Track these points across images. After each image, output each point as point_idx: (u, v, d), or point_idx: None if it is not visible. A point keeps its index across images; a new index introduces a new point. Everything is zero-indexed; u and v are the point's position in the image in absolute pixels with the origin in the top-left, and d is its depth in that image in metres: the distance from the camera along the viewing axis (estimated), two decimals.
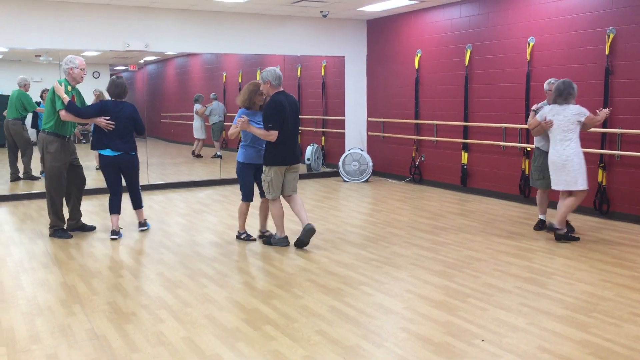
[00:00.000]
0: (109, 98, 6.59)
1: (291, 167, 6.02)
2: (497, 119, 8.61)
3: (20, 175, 10.44)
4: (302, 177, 11.07)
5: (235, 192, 9.27)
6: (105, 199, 8.80)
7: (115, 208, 6.53)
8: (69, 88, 6.41)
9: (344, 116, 11.30)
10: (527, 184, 8.17)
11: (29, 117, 11.72)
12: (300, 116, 12.27)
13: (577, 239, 6.09)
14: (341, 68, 11.23)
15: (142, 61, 13.82)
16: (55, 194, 6.48)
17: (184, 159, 13.96)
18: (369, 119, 11.27)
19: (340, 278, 5.00)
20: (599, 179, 7.21)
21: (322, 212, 7.86)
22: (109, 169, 6.45)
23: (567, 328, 3.87)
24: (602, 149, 7.21)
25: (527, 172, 8.17)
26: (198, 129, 13.76)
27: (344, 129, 11.32)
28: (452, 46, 9.33)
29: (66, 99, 6.23)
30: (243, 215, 6.31)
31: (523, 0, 8.14)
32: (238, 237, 6.37)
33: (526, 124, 8.05)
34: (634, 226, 6.77)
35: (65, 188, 6.60)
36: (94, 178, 10.83)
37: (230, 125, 6.03)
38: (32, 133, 10.98)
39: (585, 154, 6.08)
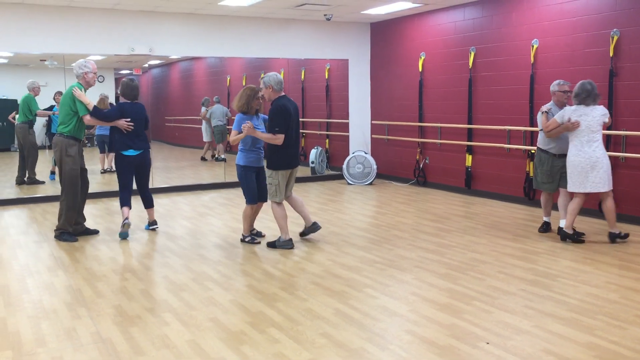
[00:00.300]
0: (111, 101, 6.72)
1: (294, 169, 6.17)
2: (501, 122, 8.61)
3: (25, 179, 10.48)
4: (306, 180, 11.09)
5: (239, 195, 9.28)
6: (109, 202, 8.84)
7: (128, 201, 6.73)
8: (83, 92, 6.51)
9: (347, 119, 11.31)
10: (531, 186, 8.16)
11: (40, 122, 11.83)
12: (304, 119, 12.41)
13: (582, 241, 6.08)
14: (345, 71, 11.25)
15: (146, 65, 13.89)
16: (73, 198, 6.53)
17: (188, 162, 14.00)
18: (373, 121, 11.27)
19: (344, 281, 5.00)
20: None
21: (326, 214, 7.86)
22: (129, 168, 6.69)
23: (572, 330, 3.86)
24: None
25: (531, 174, 8.16)
26: (204, 132, 13.82)
27: (348, 131, 11.33)
28: (455, 49, 9.33)
29: (91, 104, 6.40)
30: (248, 218, 6.32)
31: (527, 3, 8.14)
32: (242, 240, 6.39)
33: (530, 126, 8.09)
34: (639, 228, 6.75)
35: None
36: (98, 182, 10.89)
37: (231, 129, 6.10)
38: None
39: None
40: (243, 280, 5.10)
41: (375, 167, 10.63)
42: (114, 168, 11.12)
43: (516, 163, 8.47)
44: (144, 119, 6.75)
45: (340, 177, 11.11)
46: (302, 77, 12.48)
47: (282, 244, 6.10)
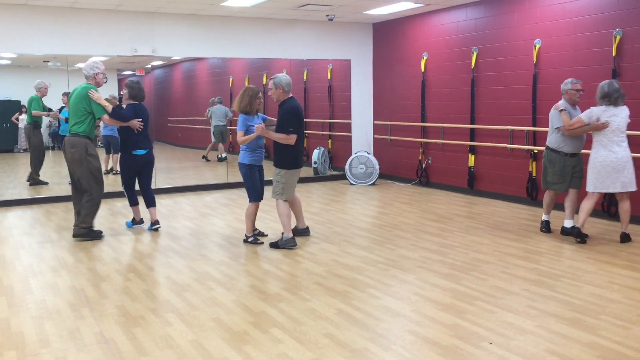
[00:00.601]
0: (118, 103, 6.89)
1: (299, 169, 6.25)
2: (503, 122, 8.60)
3: (28, 179, 10.49)
4: (309, 180, 11.10)
5: (242, 195, 9.29)
6: (112, 203, 8.85)
7: (136, 200, 7.14)
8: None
9: (350, 119, 11.31)
10: (534, 186, 8.15)
11: (44, 122, 11.85)
12: (307, 120, 12.41)
13: (584, 242, 6.07)
14: (347, 71, 11.25)
15: (149, 66, 13.90)
16: (100, 195, 6.65)
17: (191, 163, 14.01)
18: (376, 122, 11.27)
19: (347, 281, 5.01)
20: None
21: (328, 215, 7.87)
22: (135, 168, 6.93)
23: (575, 330, 3.86)
24: None
25: (534, 174, 8.16)
26: (210, 133, 13.83)
27: (350, 132, 11.33)
28: (458, 49, 9.33)
29: (109, 106, 6.52)
30: (251, 217, 6.33)
31: (529, 2, 8.14)
32: (245, 241, 6.39)
33: (533, 126, 8.08)
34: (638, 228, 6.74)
35: None
36: None
37: (234, 130, 6.16)
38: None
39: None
40: (246, 280, 5.10)
41: (377, 167, 10.63)
42: (116, 169, 11.19)
43: (519, 163, 8.46)
44: (148, 119, 6.97)
45: (343, 177, 11.12)
46: (305, 77, 12.48)
47: (284, 243, 6.10)
